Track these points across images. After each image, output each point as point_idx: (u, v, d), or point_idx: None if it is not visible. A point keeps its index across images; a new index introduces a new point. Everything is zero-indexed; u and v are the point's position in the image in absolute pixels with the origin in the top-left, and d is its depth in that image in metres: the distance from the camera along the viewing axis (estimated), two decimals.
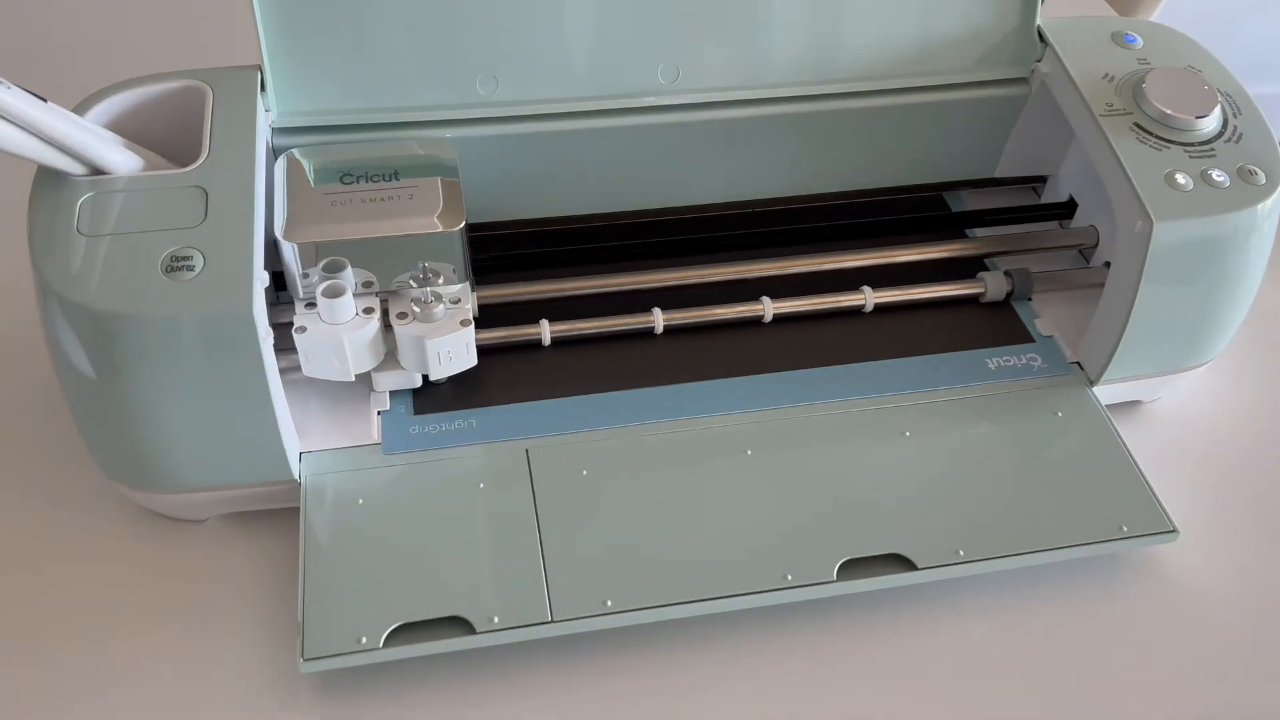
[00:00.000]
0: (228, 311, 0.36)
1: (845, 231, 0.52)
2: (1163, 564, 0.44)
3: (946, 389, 0.46)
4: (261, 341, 0.37)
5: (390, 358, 0.43)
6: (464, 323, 0.42)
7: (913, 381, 0.46)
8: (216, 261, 0.37)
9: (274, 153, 0.44)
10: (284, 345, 0.44)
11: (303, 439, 0.42)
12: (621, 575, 0.39)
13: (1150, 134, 0.44)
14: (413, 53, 0.44)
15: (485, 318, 0.45)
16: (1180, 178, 0.43)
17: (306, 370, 0.42)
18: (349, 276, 0.41)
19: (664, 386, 0.45)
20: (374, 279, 0.42)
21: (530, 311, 0.46)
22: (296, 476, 0.41)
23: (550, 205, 0.49)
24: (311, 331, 0.41)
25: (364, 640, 0.37)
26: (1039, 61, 0.49)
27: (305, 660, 0.37)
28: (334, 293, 0.41)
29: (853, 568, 0.40)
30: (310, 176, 0.42)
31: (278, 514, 0.43)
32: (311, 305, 0.41)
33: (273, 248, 0.41)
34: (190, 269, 0.36)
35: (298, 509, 0.41)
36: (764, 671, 0.40)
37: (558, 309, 0.47)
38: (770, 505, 0.42)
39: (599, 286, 0.47)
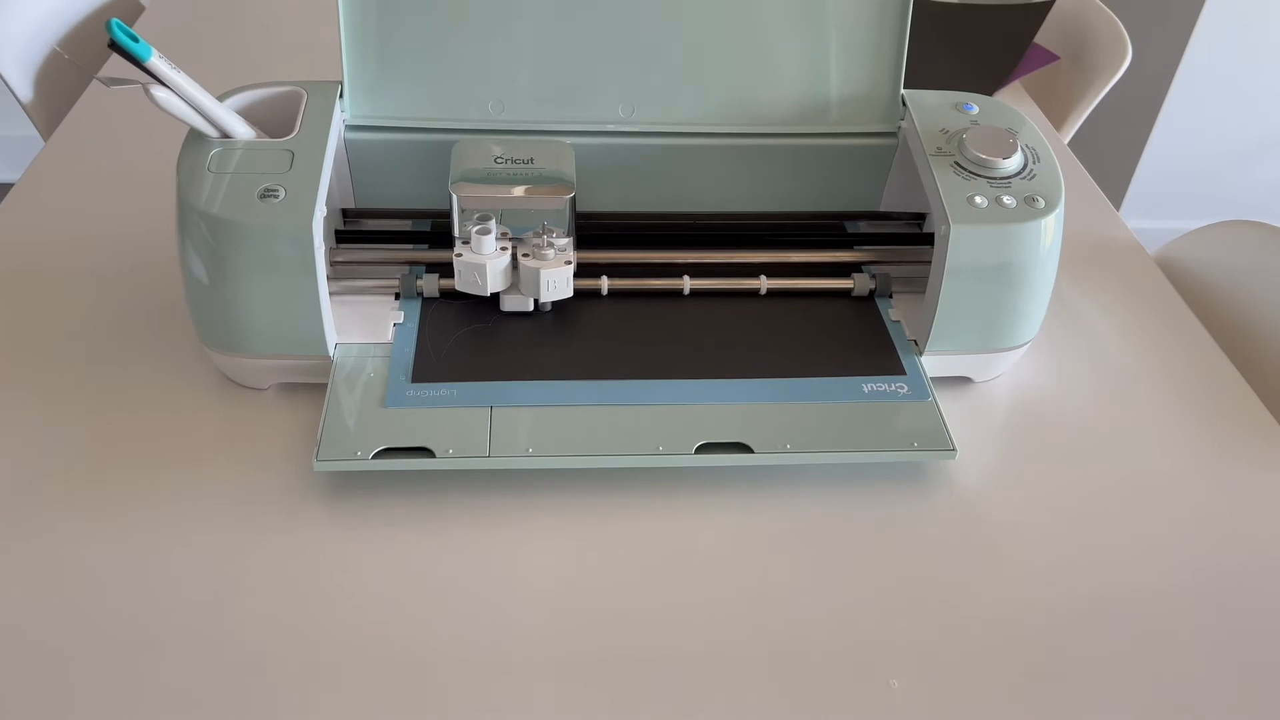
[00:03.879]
0: (294, 225, 0.55)
1: (759, 240, 0.69)
2: (953, 481, 0.59)
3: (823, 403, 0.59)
4: (316, 250, 0.55)
5: (514, 287, 0.62)
6: (567, 263, 0.60)
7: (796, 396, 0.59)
8: (293, 195, 0.56)
9: (344, 141, 0.63)
10: (339, 276, 0.63)
11: (340, 334, 0.60)
12: (544, 434, 0.56)
13: (964, 169, 0.61)
14: (445, 83, 0.64)
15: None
16: (978, 199, 0.59)
17: (458, 285, 0.61)
18: (493, 226, 0.60)
19: (598, 382, 0.59)
20: (509, 231, 0.61)
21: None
22: (330, 354, 0.59)
23: None
24: (465, 258, 0.60)
25: (359, 454, 0.54)
26: (902, 120, 0.66)
27: (318, 462, 0.54)
28: (483, 232, 0.59)
29: (707, 449, 0.56)
30: (475, 157, 0.61)
31: (318, 391, 0.61)
32: (466, 242, 0.60)
33: (341, 193, 0.60)
34: (276, 197, 0.55)
35: None
36: (637, 512, 0.56)
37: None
38: (653, 407, 0.58)
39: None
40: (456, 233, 0.61)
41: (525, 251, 0.61)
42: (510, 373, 0.59)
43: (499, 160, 0.61)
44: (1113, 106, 2.03)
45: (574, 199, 0.60)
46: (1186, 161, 1.91)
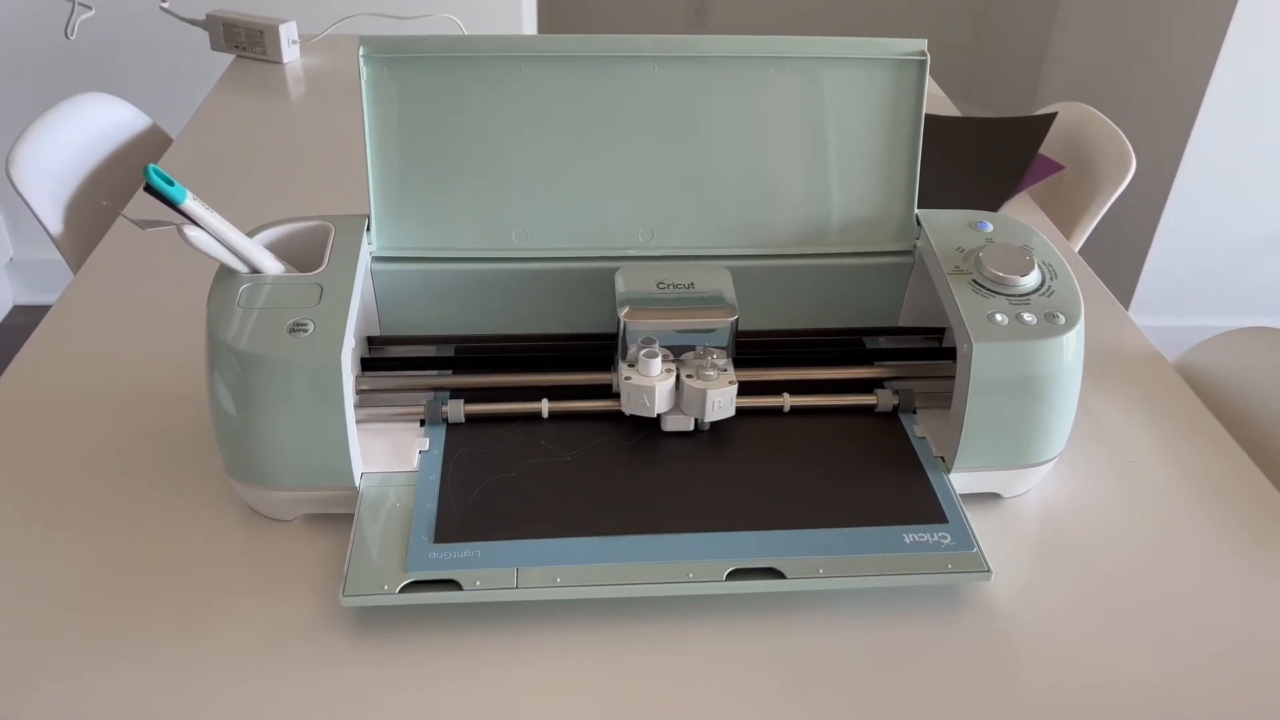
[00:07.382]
0: (323, 359, 0.55)
1: (781, 358, 0.69)
2: (985, 601, 0.58)
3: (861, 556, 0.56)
4: (345, 384, 0.56)
5: (676, 407, 0.62)
6: (730, 383, 0.61)
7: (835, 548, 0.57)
8: (322, 329, 0.56)
9: (371, 272, 0.64)
10: (365, 404, 0.63)
11: (366, 464, 0.60)
12: (571, 559, 0.55)
13: (983, 287, 0.61)
14: (470, 214, 0.65)
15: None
16: (999, 317, 0.59)
17: (624, 408, 0.61)
18: (658, 349, 0.61)
19: (632, 537, 0.56)
20: (670, 354, 0.61)
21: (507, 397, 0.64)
22: (356, 485, 0.59)
23: (550, 324, 0.68)
24: (633, 381, 0.60)
25: (385, 588, 0.54)
26: (918, 240, 0.67)
27: (345, 597, 0.53)
28: (650, 356, 0.60)
29: (738, 575, 0.55)
30: (638, 282, 0.63)
31: (343, 521, 0.60)
32: (632, 365, 0.61)
33: (366, 322, 0.61)
34: (305, 331, 0.56)
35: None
36: (667, 644, 0.55)
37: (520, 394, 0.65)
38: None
39: (586, 380, 0.65)
40: (622, 355, 0.62)
41: (688, 373, 0.61)
42: (530, 528, 0.57)
43: (661, 285, 0.63)
44: (1117, 208, 2.07)
45: (736, 321, 0.61)
46: (1190, 261, 1.93)
